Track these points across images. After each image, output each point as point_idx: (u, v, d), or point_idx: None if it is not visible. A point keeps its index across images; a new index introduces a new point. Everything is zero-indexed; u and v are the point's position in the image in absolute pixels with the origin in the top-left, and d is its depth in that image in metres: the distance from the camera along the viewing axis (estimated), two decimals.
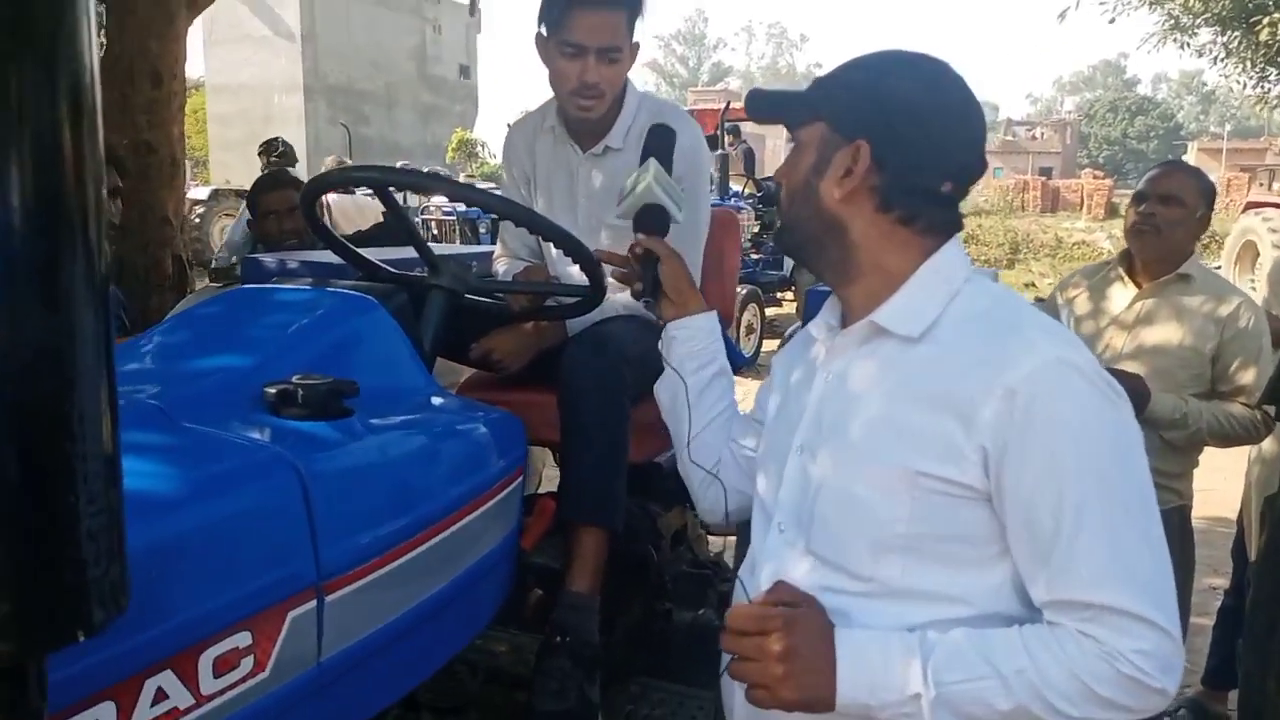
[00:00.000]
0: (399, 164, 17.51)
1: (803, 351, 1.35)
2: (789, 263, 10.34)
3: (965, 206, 1.34)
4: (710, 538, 2.69)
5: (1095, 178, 34.93)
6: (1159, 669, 1.02)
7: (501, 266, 2.31)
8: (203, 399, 1.20)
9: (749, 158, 11.97)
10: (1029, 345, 1.08)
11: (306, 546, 1.08)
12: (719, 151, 10.89)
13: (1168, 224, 2.58)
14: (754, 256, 10.43)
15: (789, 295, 10.75)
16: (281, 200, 3.19)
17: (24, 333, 0.50)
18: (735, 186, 11.04)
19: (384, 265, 1.94)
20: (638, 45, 2.07)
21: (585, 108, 2.03)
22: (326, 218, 3.32)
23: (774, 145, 34.29)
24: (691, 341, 1.53)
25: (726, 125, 11.24)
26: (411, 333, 1.57)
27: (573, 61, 1.98)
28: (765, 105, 1.35)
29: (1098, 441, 1.05)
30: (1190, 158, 48.37)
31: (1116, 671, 1.01)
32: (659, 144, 1.64)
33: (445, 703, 1.87)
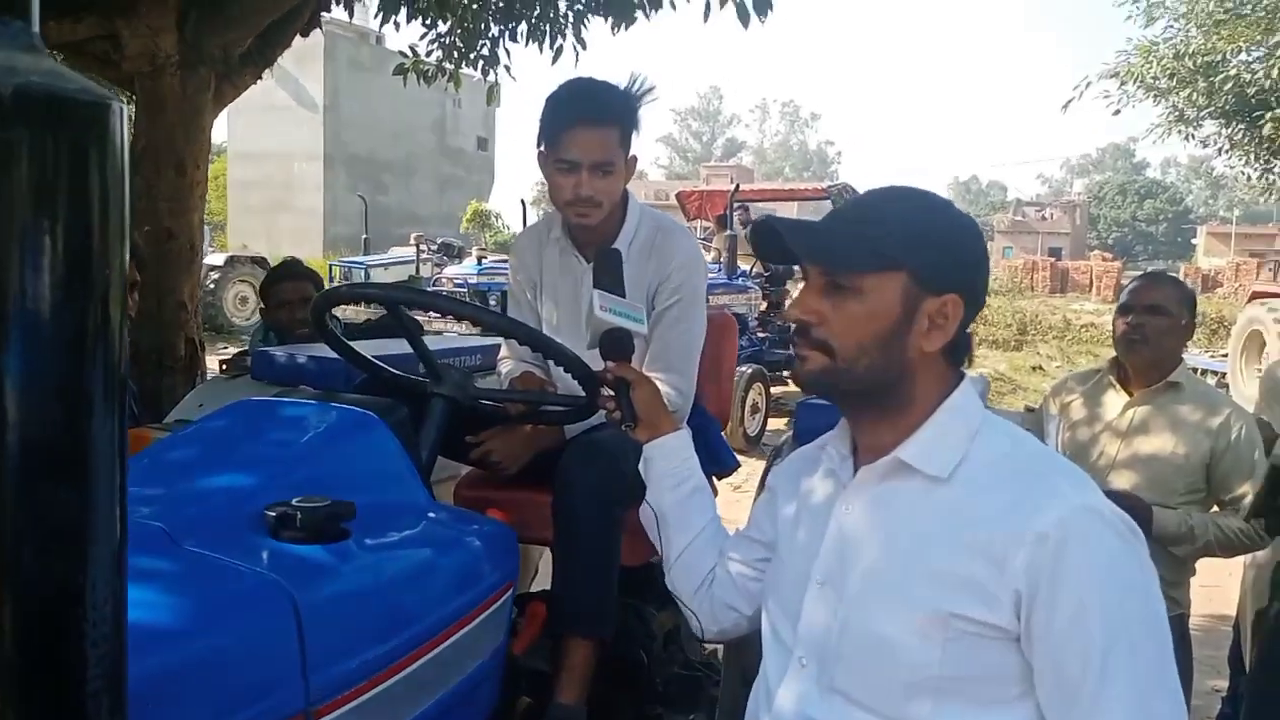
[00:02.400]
0: (413, 235, 17.67)
1: (807, 474, 1.34)
2: None
3: None
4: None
5: (1104, 259, 35.16)
6: None
7: (505, 368, 2.38)
8: (205, 520, 1.25)
9: None
10: (1056, 492, 1.11)
11: (296, 674, 1.11)
12: (728, 232, 11.08)
13: (1156, 333, 2.65)
14: (760, 335, 10.51)
15: None
16: (294, 291, 3.27)
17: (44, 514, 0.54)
18: (743, 266, 11.19)
19: (389, 368, 2.01)
20: (634, 159, 2.16)
21: (583, 215, 2.12)
22: None
23: None
24: (666, 461, 1.57)
25: (736, 204, 11.46)
26: (410, 444, 1.62)
27: (568, 176, 2.07)
28: (812, 247, 1.22)
29: (1124, 590, 1.09)
30: (1200, 241, 48.68)
31: None
32: (602, 267, 1.73)
33: None
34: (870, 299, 1.17)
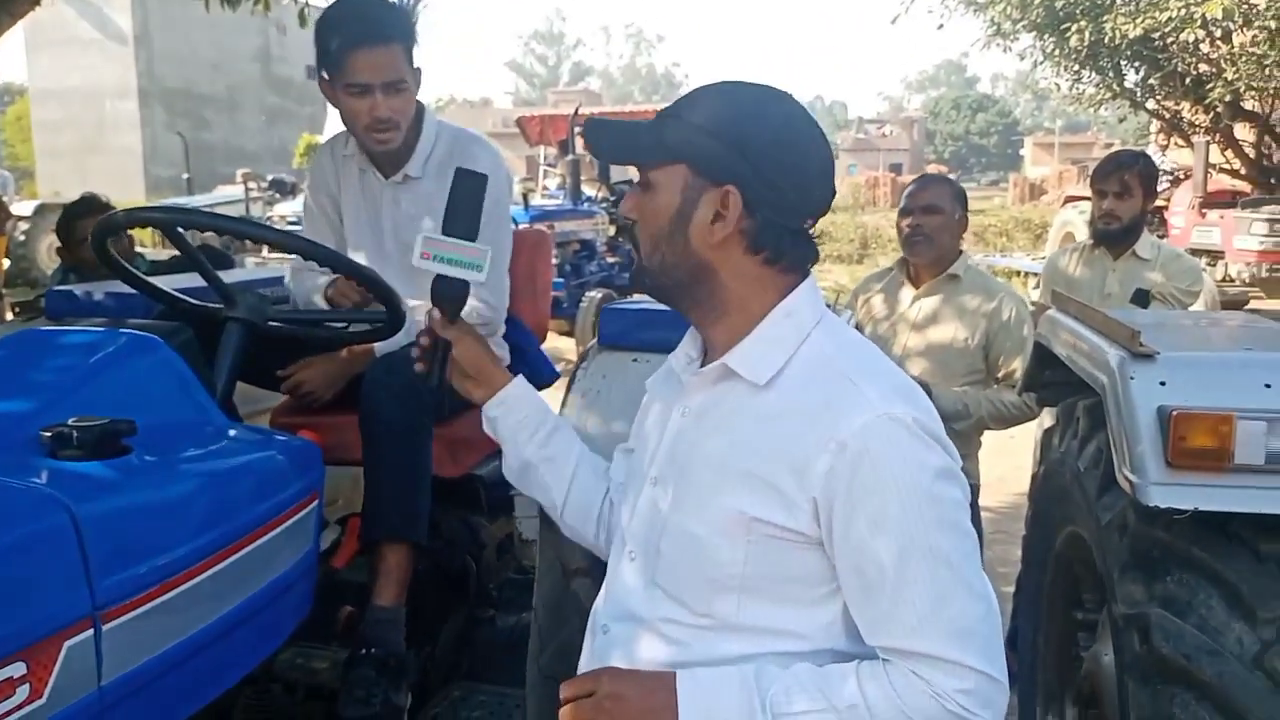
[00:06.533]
0: (241, 172, 16.84)
1: (665, 377, 1.36)
2: None
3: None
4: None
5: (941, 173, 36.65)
6: (980, 705, 1.10)
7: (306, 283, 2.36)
8: None
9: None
10: (860, 399, 1.13)
11: (80, 579, 1.15)
12: (570, 156, 11.03)
13: (933, 230, 2.89)
14: (609, 260, 10.60)
15: (645, 297, 10.91)
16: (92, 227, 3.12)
17: None
18: (588, 191, 11.19)
19: (182, 297, 1.99)
20: (419, 71, 2.16)
21: (383, 140, 2.13)
22: None
23: None
24: (514, 414, 1.46)
25: (577, 128, 11.39)
26: (201, 367, 1.63)
27: (361, 99, 2.06)
28: (612, 145, 1.27)
29: (920, 497, 1.11)
30: (1026, 152, 51.30)
31: (943, 709, 1.09)
32: (458, 204, 1.44)
33: (259, 718, 1.94)
34: (660, 192, 1.20)
